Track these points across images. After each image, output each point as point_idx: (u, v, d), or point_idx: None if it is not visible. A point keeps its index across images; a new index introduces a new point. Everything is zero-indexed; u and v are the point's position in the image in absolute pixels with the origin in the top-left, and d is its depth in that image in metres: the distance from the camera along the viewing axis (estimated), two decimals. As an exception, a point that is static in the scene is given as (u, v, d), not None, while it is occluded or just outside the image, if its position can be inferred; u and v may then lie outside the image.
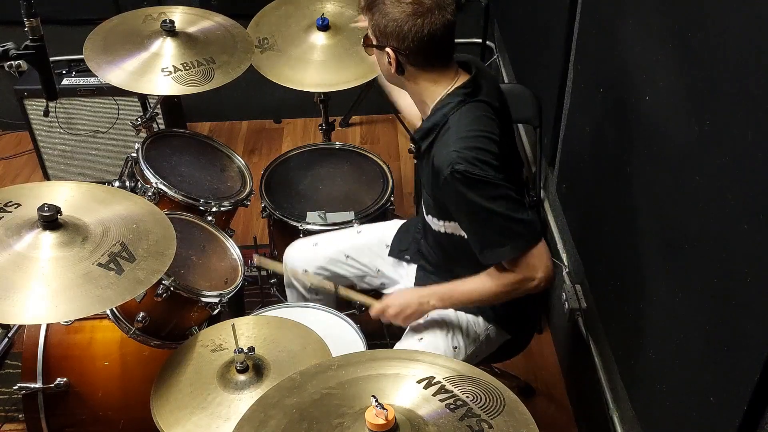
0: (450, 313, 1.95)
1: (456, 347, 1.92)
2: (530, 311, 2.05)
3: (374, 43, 1.74)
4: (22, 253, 1.63)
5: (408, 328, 1.98)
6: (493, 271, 1.77)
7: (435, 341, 1.91)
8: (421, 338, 1.93)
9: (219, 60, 2.42)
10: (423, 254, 2.05)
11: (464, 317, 1.95)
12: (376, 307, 1.91)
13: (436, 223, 1.86)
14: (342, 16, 2.71)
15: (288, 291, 2.32)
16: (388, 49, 1.70)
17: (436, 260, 2.00)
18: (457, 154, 1.62)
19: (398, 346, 1.96)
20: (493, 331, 1.96)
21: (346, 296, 2.05)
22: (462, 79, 1.75)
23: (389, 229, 2.21)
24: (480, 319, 1.95)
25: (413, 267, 2.11)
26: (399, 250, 2.15)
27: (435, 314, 1.95)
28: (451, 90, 1.73)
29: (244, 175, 2.59)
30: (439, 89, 1.74)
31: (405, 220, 2.24)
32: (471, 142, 1.64)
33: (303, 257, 2.21)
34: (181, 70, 2.36)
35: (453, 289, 1.85)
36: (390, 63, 1.71)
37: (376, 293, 2.21)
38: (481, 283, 1.79)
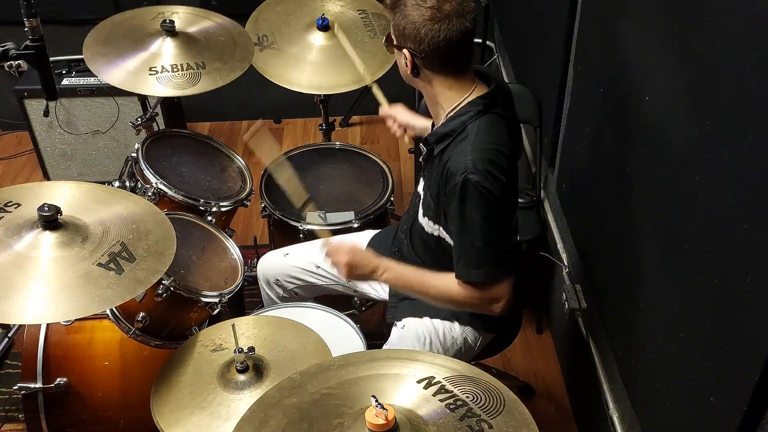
0: (425, 322, 1.95)
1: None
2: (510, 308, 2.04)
3: (394, 42, 1.76)
4: (22, 253, 1.63)
5: (387, 342, 1.99)
6: (460, 281, 1.77)
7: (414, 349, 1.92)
8: None
9: (210, 66, 2.41)
10: (403, 256, 2.05)
11: (439, 324, 1.95)
12: (331, 246, 1.89)
13: (430, 226, 1.87)
14: (343, 16, 2.71)
15: (264, 292, 2.33)
16: (405, 51, 1.72)
17: (417, 262, 1.99)
18: (473, 163, 1.64)
19: None
20: (470, 333, 1.96)
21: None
22: (480, 88, 1.76)
23: (361, 240, 2.21)
24: (456, 324, 1.95)
25: None
26: None
27: (411, 324, 1.97)
28: (470, 98, 1.74)
29: (244, 175, 2.59)
30: (454, 95, 1.75)
31: (377, 231, 2.25)
32: (487, 154, 1.67)
33: (274, 267, 2.24)
34: (168, 72, 2.36)
35: (414, 275, 1.84)
36: (406, 64, 1.74)
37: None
38: (445, 284, 1.79)
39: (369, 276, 1.86)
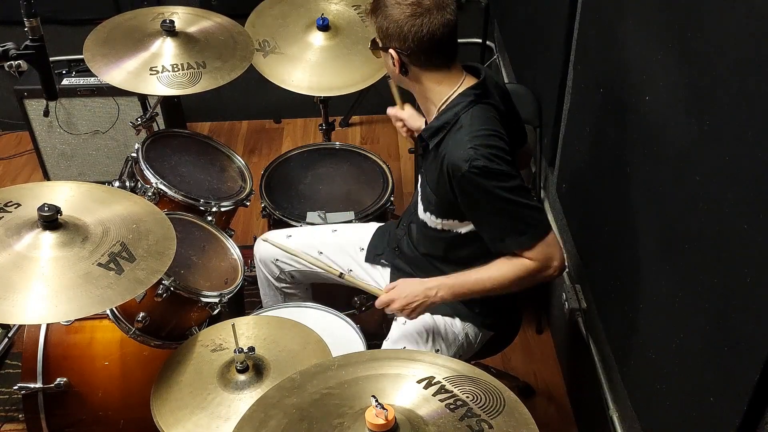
0: (426, 318, 1.95)
1: (438, 350, 1.94)
2: (508, 305, 2.04)
3: (379, 45, 1.77)
4: (22, 253, 1.63)
5: (388, 337, 1.99)
6: (509, 259, 1.77)
7: (417, 347, 1.93)
8: (404, 347, 1.94)
9: (210, 65, 2.41)
10: (403, 252, 2.05)
11: (441, 320, 1.96)
12: (381, 299, 1.90)
13: (433, 221, 1.87)
14: (339, 14, 2.71)
15: (259, 270, 2.32)
16: (391, 50, 1.74)
17: (417, 258, 2.00)
18: (474, 151, 1.65)
19: None
20: (471, 329, 1.97)
21: (351, 283, 2.03)
22: (469, 81, 1.78)
23: (365, 232, 2.21)
24: (456, 320, 1.96)
25: (387, 270, 2.12)
26: (375, 254, 2.15)
27: (412, 321, 1.96)
28: (461, 90, 1.76)
29: (244, 175, 2.59)
30: (444, 89, 1.77)
31: (381, 224, 2.25)
32: (485, 140, 1.68)
33: (275, 248, 2.21)
34: (169, 71, 2.36)
35: (464, 278, 1.82)
36: (394, 64, 1.75)
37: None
38: (497, 271, 1.78)
39: (427, 302, 1.85)
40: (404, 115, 2.17)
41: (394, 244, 2.10)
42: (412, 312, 1.86)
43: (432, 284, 1.84)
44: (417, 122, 2.14)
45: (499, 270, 1.78)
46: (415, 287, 1.85)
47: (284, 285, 2.27)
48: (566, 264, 1.77)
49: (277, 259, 2.21)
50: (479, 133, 1.69)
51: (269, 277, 2.26)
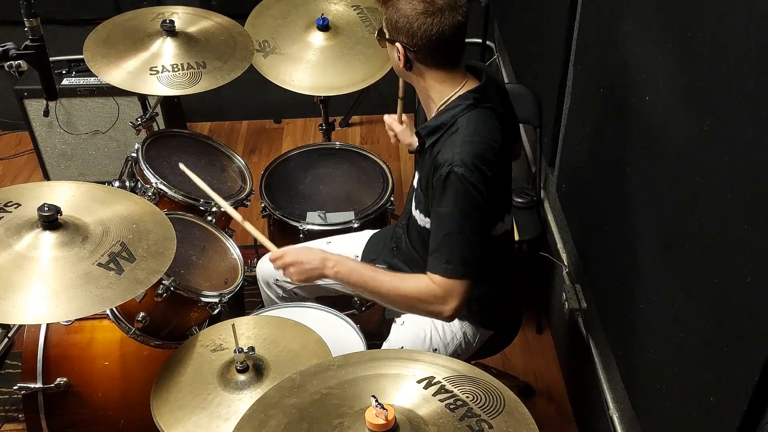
0: (424, 317, 1.95)
1: (436, 349, 1.94)
2: (508, 305, 2.05)
3: (386, 36, 1.77)
4: (22, 253, 1.63)
5: (387, 339, 1.98)
6: (419, 276, 1.76)
7: (414, 346, 1.93)
8: (401, 347, 1.94)
9: (210, 65, 2.41)
10: (401, 251, 2.05)
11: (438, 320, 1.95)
12: (274, 252, 1.88)
13: (422, 219, 1.88)
14: (338, 14, 2.71)
15: (264, 293, 2.33)
16: (397, 44, 1.73)
17: (415, 256, 2.00)
18: (460, 157, 1.65)
19: None
20: (469, 328, 1.97)
21: (250, 231, 2.02)
22: (471, 83, 1.77)
23: (359, 240, 2.22)
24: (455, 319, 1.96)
25: None
26: (369, 259, 2.15)
27: (410, 320, 1.96)
28: (461, 92, 1.75)
29: (244, 175, 2.59)
30: (445, 89, 1.77)
31: (376, 231, 2.25)
32: (476, 148, 1.67)
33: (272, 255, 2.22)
34: (169, 71, 2.36)
35: (366, 270, 1.81)
36: (399, 57, 1.75)
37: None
38: (399, 281, 1.78)
39: (320, 270, 1.81)
40: (397, 128, 2.16)
41: (393, 243, 2.11)
42: (301, 273, 1.82)
43: (333, 257, 1.82)
44: (408, 139, 2.14)
45: (403, 281, 1.77)
46: (315, 253, 1.83)
47: (290, 302, 2.27)
48: (454, 317, 1.74)
49: (277, 280, 2.23)
50: (473, 139, 1.68)
51: (274, 298, 2.28)
